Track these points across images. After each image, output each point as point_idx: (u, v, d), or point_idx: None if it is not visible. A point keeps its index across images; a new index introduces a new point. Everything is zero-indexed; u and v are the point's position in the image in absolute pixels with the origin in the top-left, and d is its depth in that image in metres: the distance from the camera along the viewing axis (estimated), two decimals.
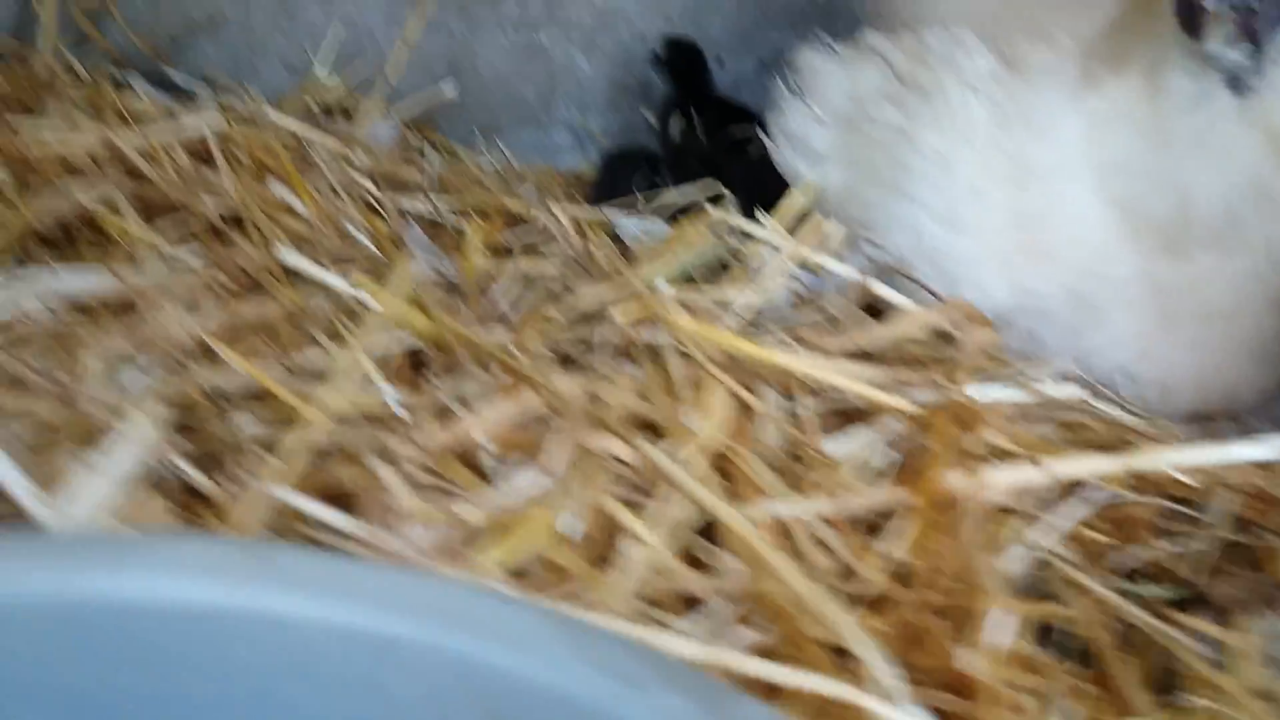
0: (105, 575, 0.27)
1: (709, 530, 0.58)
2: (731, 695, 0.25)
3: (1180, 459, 0.56)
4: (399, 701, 0.27)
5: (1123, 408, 0.69)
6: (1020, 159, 0.74)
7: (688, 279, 0.73)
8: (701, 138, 1.20)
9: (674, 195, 0.81)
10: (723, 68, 1.32)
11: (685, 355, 0.64)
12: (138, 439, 0.51)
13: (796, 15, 1.35)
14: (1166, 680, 0.54)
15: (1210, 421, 0.79)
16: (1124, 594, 0.55)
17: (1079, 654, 0.55)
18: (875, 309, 0.76)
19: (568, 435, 0.55)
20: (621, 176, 1.16)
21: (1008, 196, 0.74)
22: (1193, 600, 0.56)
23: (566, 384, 0.60)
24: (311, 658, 0.27)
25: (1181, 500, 0.60)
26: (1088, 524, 0.59)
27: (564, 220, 0.81)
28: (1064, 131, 0.74)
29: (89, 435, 0.54)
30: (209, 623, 0.27)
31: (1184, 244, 0.70)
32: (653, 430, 0.61)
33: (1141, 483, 0.60)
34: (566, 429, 0.56)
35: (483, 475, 0.57)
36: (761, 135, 0.89)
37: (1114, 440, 0.63)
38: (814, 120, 0.84)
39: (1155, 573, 0.58)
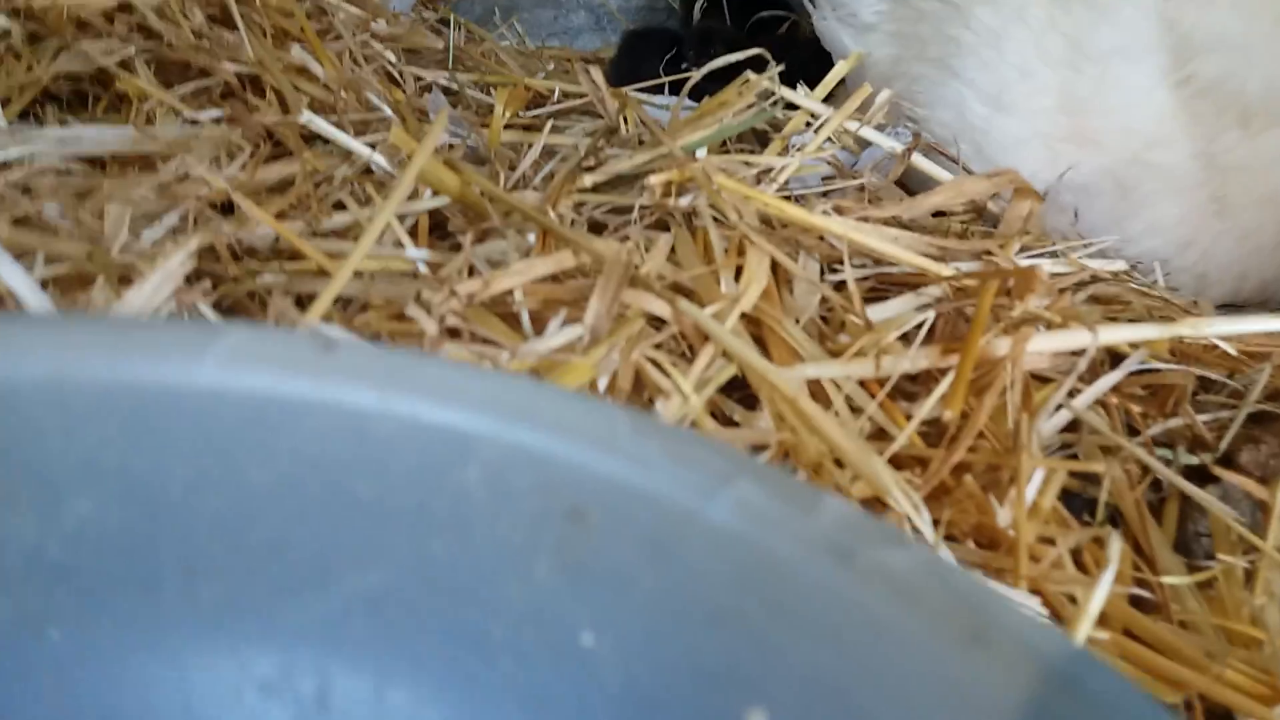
0: (174, 361, 0.26)
1: (740, 393, 0.58)
2: (813, 490, 0.25)
3: (1225, 329, 0.55)
4: (474, 500, 0.27)
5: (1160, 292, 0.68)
6: (1077, 40, 0.71)
7: (724, 149, 0.71)
8: (727, 18, 1.17)
9: (710, 64, 0.78)
10: None
11: (721, 223, 0.63)
12: (170, 282, 0.50)
13: None
14: (1194, 546, 0.55)
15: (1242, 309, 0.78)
16: (1158, 458, 0.55)
17: (1109, 520, 0.55)
18: (908, 187, 0.74)
19: (605, 292, 0.54)
20: (643, 58, 1.13)
21: (1060, 79, 0.72)
22: (1225, 467, 0.56)
23: (601, 244, 0.58)
24: (383, 453, 0.27)
25: (1219, 372, 0.59)
26: (1124, 392, 0.59)
27: (600, 82, 0.78)
28: (1131, 11, 0.71)
29: (120, 278, 0.53)
30: (277, 413, 0.27)
31: (1260, 123, 0.68)
32: (687, 295, 0.60)
33: (1181, 355, 0.59)
34: (603, 286, 0.55)
35: (518, 329, 0.56)
36: (807, 3, 0.86)
37: (1153, 314, 0.62)
38: None
39: (1190, 441, 0.58)
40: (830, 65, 0.84)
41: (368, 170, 0.78)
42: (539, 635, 0.27)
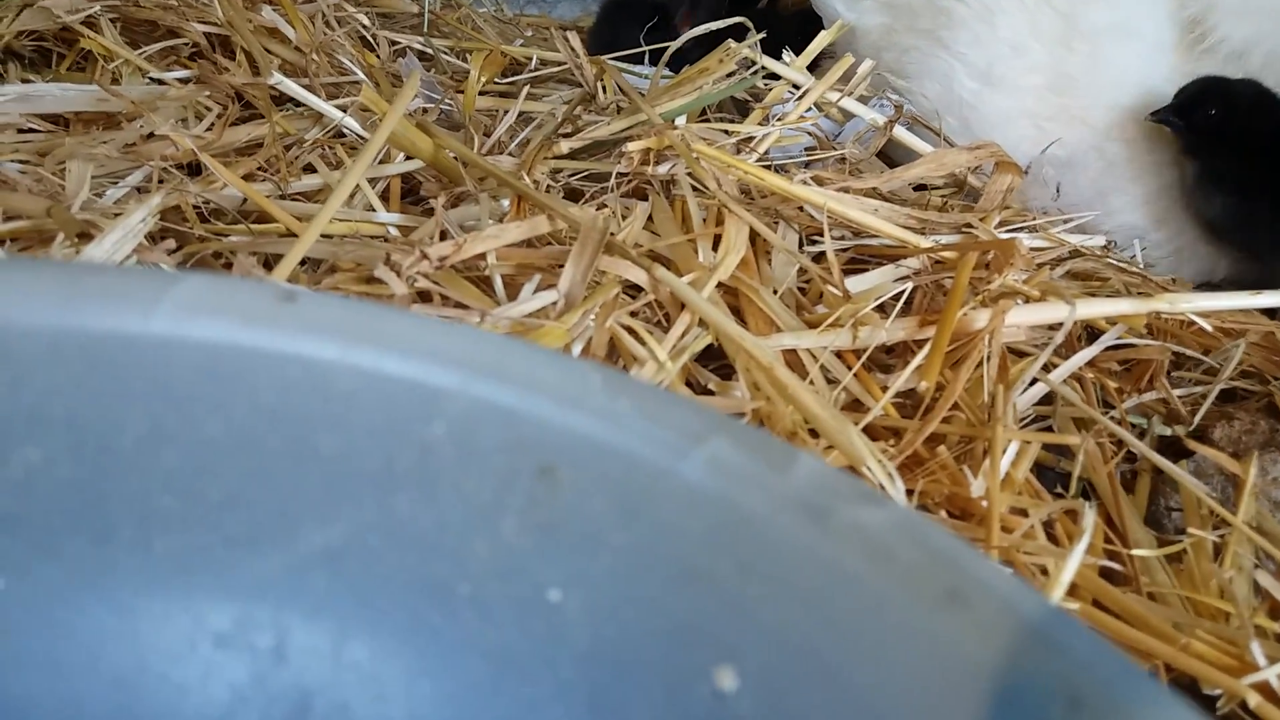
0: (128, 308, 0.25)
1: (715, 363, 0.57)
2: (787, 448, 0.24)
3: (1202, 305, 0.55)
4: (441, 455, 0.26)
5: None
6: (1071, 17, 0.71)
7: (704, 118, 0.70)
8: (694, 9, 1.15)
9: (691, 32, 0.76)
10: None
11: (700, 192, 0.62)
12: (130, 239, 0.48)
13: None
14: (1165, 520, 0.55)
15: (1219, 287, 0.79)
16: (1131, 432, 0.55)
17: (1082, 494, 0.55)
18: (892, 160, 0.74)
19: (580, 258, 0.53)
20: (622, 26, 1.11)
21: (1052, 56, 0.72)
22: (1198, 442, 0.56)
23: (577, 210, 0.57)
24: (346, 407, 0.26)
25: (1193, 348, 0.59)
26: (1099, 367, 0.59)
27: (578, 47, 0.77)
28: None
29: (80, 235, 0.52)
30: (236, 363, 0.26)
31: None
32: (664, 263, 0.59)
33: (1157, 331, 0.59)
34: (579, 252, 0.54)
35: (491, 294, 0.55)
36: None
37: (1130, 289, 0.62)
38: None
39: (1164, 416, 0.58)
40: (811, 40, 0.83)
41: (340, 135, 0.77)
42: (505, 591, 0.26)
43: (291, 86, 0.73)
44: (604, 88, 0.76)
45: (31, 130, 0.71)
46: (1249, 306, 0.55)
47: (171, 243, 0.54)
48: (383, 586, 0.27)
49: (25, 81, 0.77)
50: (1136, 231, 0.72)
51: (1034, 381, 0.56)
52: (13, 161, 0.61)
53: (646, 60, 0.99)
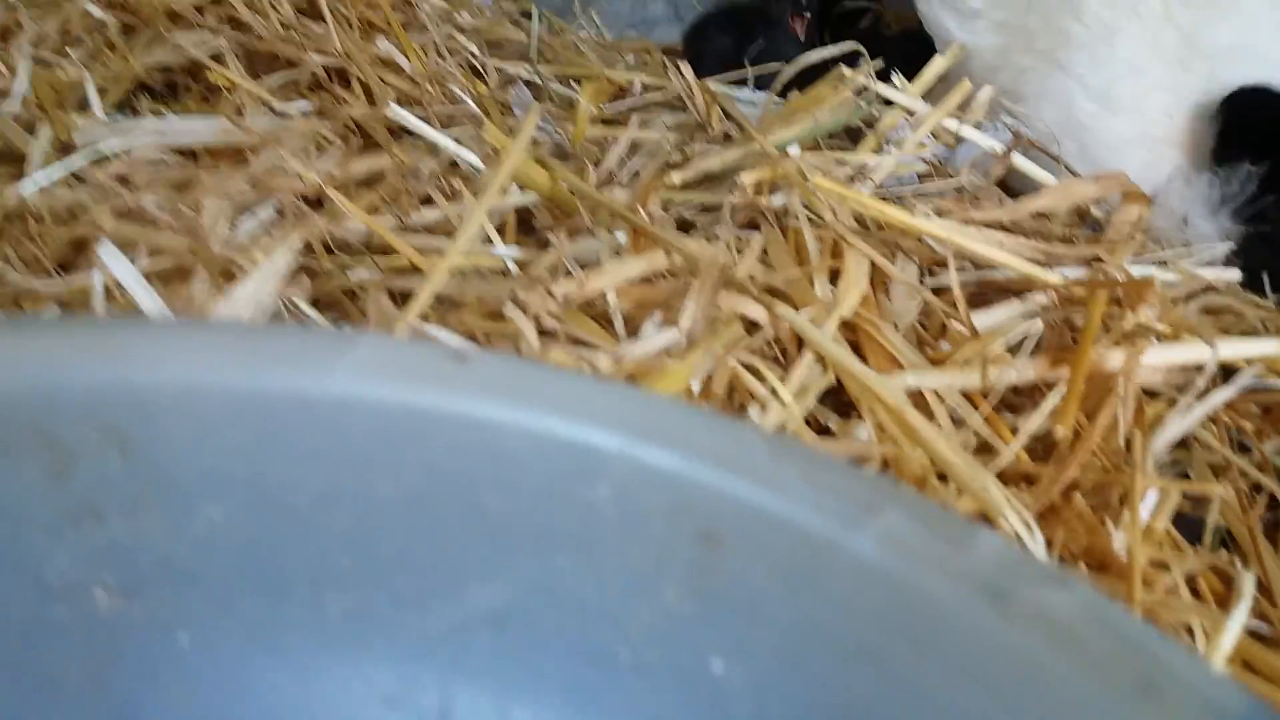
0: (308, 370, 0.26)
1: (833, 400, 0.57)
2: (965, 524, 0.24)
3: None
4: (604, 518, 0.26)
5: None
6: (1193, 36, 0.69)
7: (815, 146, 0.70)
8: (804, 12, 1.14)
9: (805, 57, 0.76)
10: None
11: (816, 223, 0.62)
12: (273, 279, 0.50)
13: None
14: None
15: None
16: (1273, 478, 0.53)
17: (1216, 539, 0.53)
18: (1008, 186, 0.72)
19: (701, 296, 0.53)
20: (708, 38, 1.11)
21: (1172, 77, 0.69)
22: None
23: (695, 245, 0.57)
24: (513, 467, 0.26)
25: None
26: (1236, 409, 0.57)
27: (690, 80, 0.77)
28: (1254, 10, 0.69)
29: (221, 271, 0.53)
30: (409, 424, 0.26)
31: None
32: (779, 298, 0.59)
33: None
34: (699, 290, 0.54)
35: (611, 331, 0.55)
36: (896, 4, 0.84)
37: (1267, 326, 0.60)
38: None
39: None
40: (916, 63, 0.82)
41: (453, 164, 0.78)
42: (666, 658, 0.26)
43: (409, 118, 0.75)
44: (713, 116, 0.76)
45: (163, 164, 0.74)
46: None
47: (305, 279, 0.56)
48: (544, 650, 0.27)
49: (156, 114, 0.81)
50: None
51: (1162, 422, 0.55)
52: (151, 196, 0.63)
53: (750, 83, 0.98)
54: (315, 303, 0.62)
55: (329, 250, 0.65)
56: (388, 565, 0.27)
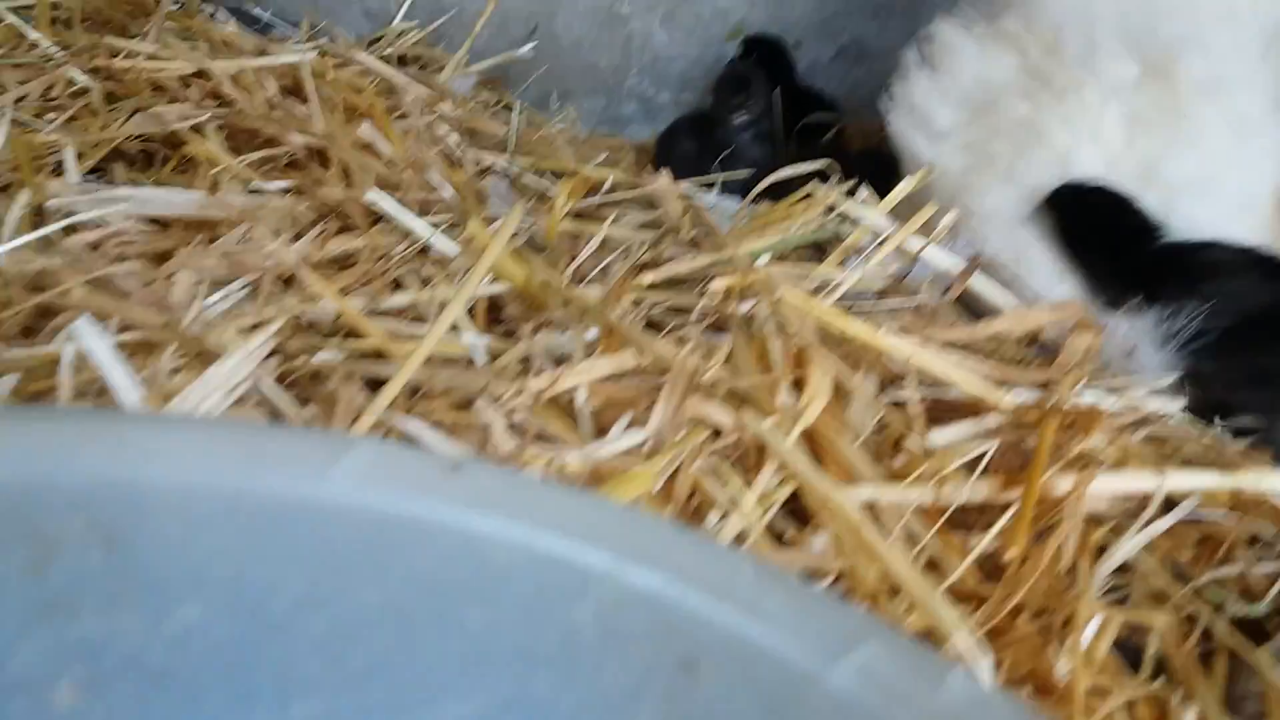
0: (304, 474, 0.26)
1: (789, 504, 0.57)
2: (941, 662, 0.25)
3: None
4: (585, 637, 0.26)
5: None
6: (1154, 163, 0.73)
7: (783, 257, 0.72)
8: (758, 117, 1.18)
9: (778, 172, 0.79)
10: (799, 50, 1.31)
11: (782, 331, 0.64)
12: (249, 362, 0.50)
13: (879, 6, 1.34)
14: (1244, 705, 0.54)
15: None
16: (1209, 609, 0.55)
17: (1154, 666, 0.55)
18: (964, 302, 0.75)
19: (670, 399, 0.55)
20: (677, 139, 1.15)
21: None
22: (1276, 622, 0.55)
23: (666, 347, 0.59)
24: (498, 581, 0.27)
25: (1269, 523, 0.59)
26: (1174, 537, 0.58)
27: (667, 187, 0.79)
28: (1217, 145, 0.73)
29: (192, 349, 0.53)
30: (399, 532, 0.26)
31: None
32: (744, 403, 0.60)
33: (1236, 502, 0.59)
34: (669, 393, 0.55)
35: (579, 429, 0.56)
36: (860, 119, 0.88)
37: (1209, 457, 0.62)
38: (942, 97, 0.83)
39: (1240, 594, 0.57)
40: (876, 181, 0.86)
41: (424, 249, 0.79)
42: None
43: (389, 204, 0.76)
44: (685, 220, 0.78)
45: (137, 234, 0.74)
46: None
47: (275, 363, 0.56)
48: None
49: (133, 183, 0.81)
50: None
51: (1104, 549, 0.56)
52: (124, 266, 0.63)
53: (718, 187, 1.01)
54: (282, 380, 0.62)
55: (298, 330, 0.65)
56: (360, 674, 0.27)
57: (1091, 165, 0.74)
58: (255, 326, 0.55)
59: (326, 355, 0.63)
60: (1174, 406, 0.62)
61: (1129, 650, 0.55)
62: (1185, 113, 0.74)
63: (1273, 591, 0.56)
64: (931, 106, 0.84)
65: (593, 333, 0.64)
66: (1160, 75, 0.75)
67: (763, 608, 0.25)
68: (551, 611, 0.27)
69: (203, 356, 0.52)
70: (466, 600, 0.27)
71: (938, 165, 0.79)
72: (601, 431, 0.55)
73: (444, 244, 0.77)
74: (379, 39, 1.23)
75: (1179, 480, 0.54)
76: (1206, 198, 0.73)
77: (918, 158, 0.84)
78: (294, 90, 0.91)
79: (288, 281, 0.72)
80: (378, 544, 0.26)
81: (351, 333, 0.66)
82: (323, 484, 0.26)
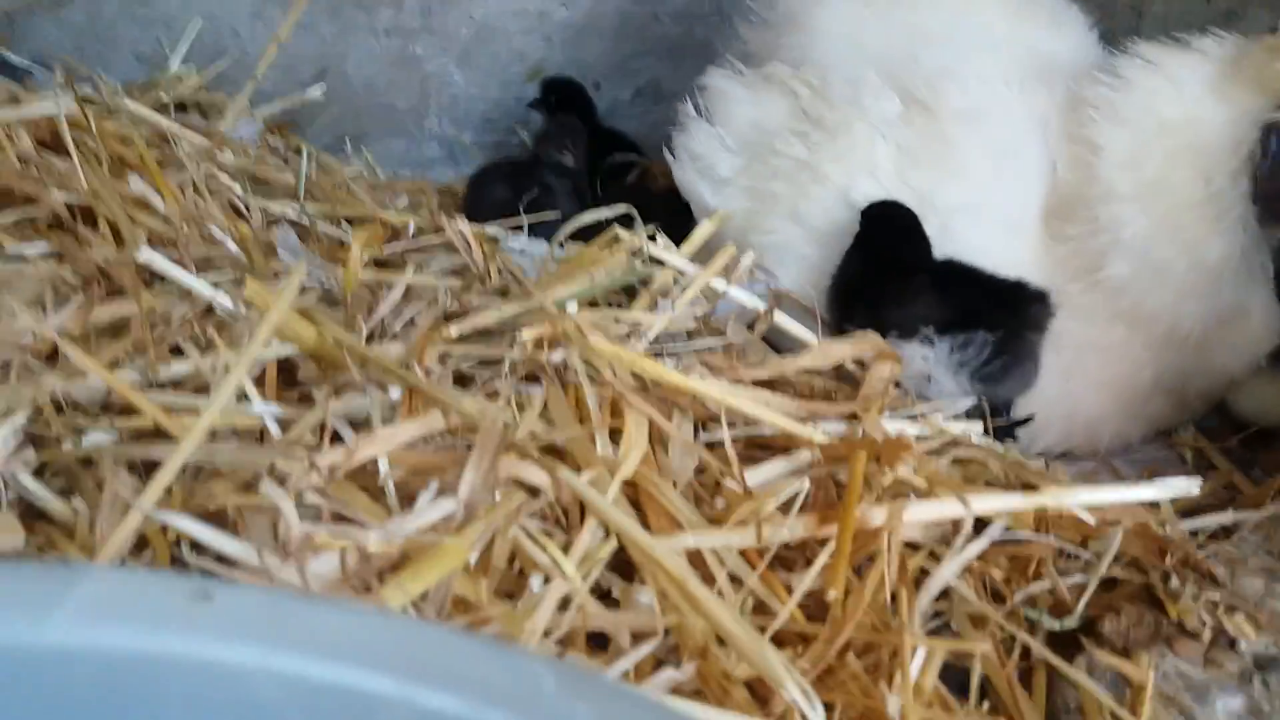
0: (16, 616, 0.22)
1: (618, 562, 0.56)
2: None
3: (1087, 499, 0.57)
4: None
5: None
6: (927, 195, 0.75)
7: (592, 303, 0.71)
8: (574, 164, 1.18)
9: (580, 218, 0.78)
10: (599, 91, 1.31)
11: (594, 380, 0.62)
12: None
13: (674, 46, 1.35)
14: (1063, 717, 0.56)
15: (1076, 460, 0.83)
16: (1024, 627, 0.56)
17: (978, 690, 0.56)
18: (768, 338, 0.75)
19: (480, 462, 0.52)
20: (488, 185, 1.13)
21: None
22: (1088, 636, 0.57)
23: (473, 405, 0.56)
24: (265, 716, 0.23)
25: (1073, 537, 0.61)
26: (987, 559, 0.60)
27: (468, 233, 0.77)
28: (980, 170, 0.76)
29: None
30: (141, 672, 0.23)
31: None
32: (560, 457, 0.58)
33: (1040, 520, 0.61)
34: (478, 456, 0.52)
35: (383, 501, 0.52)
36: (661, 158, 0.88)
37: (1010, 477, 0.64)
38: (720, 145, 0.84)
39: (1052, 608, 0.59)
40: (682, 218, 0.86)
41: (209, 309, 0.73)
42: None
43: (163, 263, 0.70)
44: (491, 267, 0.76)
45: None
46: (1131, 500, 0.58)
47: (31, 453, 0.49)
48: None
49: None
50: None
51: (926, 574, 0.57)
52: None
53: (526, 229, 0.99)
54: (41, 473, 0.56)
55: (60, 411, 0.59)
56: None
57: (870, 196, 0.77)
58: (2, 415, 0.49)
59: (96, 437, 0.57)
60: (974, 429, 0.64)
61: (955, 675, 0.56)
62: (950, 142, 0.77)
63: (1081, 603, 0.58)
64: (712, 155, 0.85)
65: (396, 393, 0.60)
66: (922, 108, 0.78)
67: (571, 718, 0.23)
68: None
69: None
70: None
71: (724, 210, 0.80)
72: (409, 502, 0.52)
73: (227, 303, 0.72)
74: (153, 85, 1.15)
75: (987, 503, 0.55)
76: (977, 222, 0.76)
77: (705, 205, 0.85)
78: (52, 144, 0.83)
79: (51, 357, 0.65)
80: (117, 688, 0.23)
81: (126, 410, 0.60)
82: (43, 627, 0.22)
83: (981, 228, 0.78)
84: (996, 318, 0.71)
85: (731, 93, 0.86)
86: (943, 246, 0.77)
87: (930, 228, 0.77)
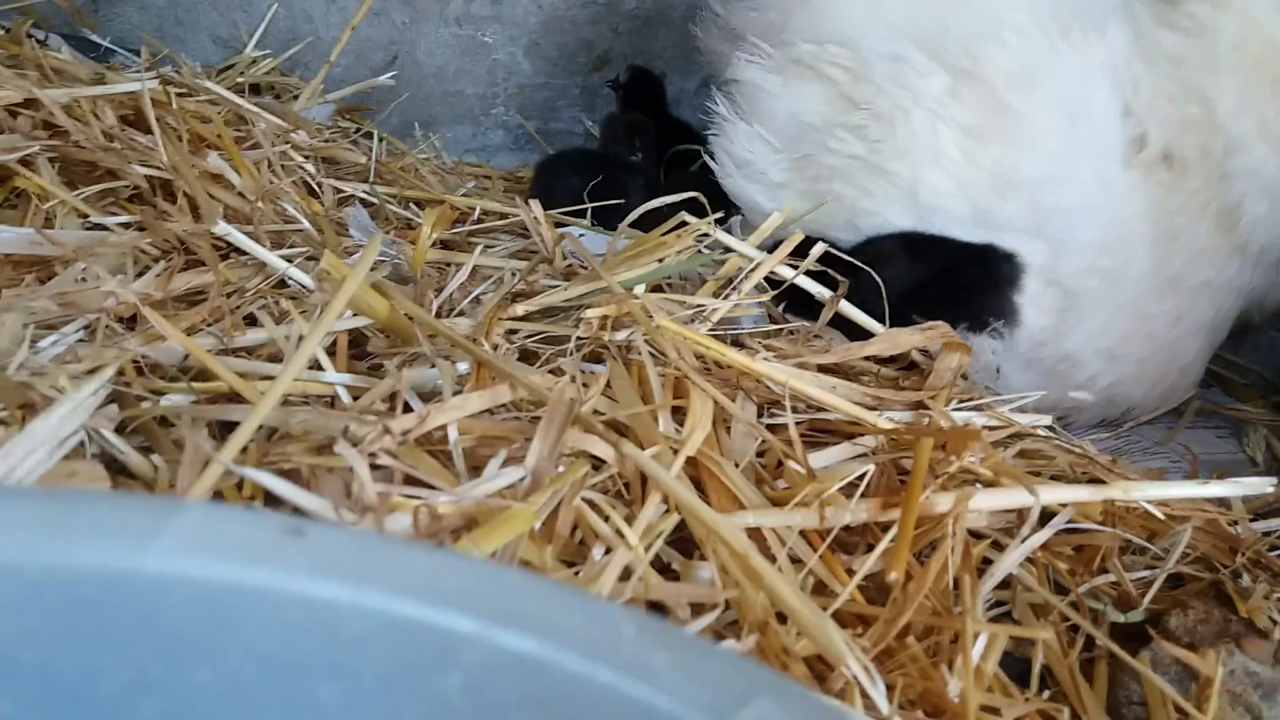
0: (121, 544, 0.23)
1: (678, 540, 0.56)
2: (834, 709, 0.23)
3: (1154, 493, 0.56)
4: (455, 710, 0.24)
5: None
6: (1002, 175, 0.72)
7: (656, 288, 0.71)
8: (644, 162, 1.18)
9: (649, 204, 0.78)
10: (665, 80, 1.32)
11: (659, 361, 0.62)
12: (79, 413, 0.46)
13: None
14: (1126, 712, 0.55)
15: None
16: (1088, 618, 0.56)
17: (1039, 680, 0.55)
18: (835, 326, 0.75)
19: (548, 434, 0.52)
20: (557, 175, 1.13)
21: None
22: (1153, 628, 0.56)
23: (542, 379, 0.57)
24: (353, 653, 0.24)
25: (1139, 531, 0.60)
26: (1051, 549, 0.59)
27: (540, 216, 0.77)
28: (1056, 139, 0.72)
29: (18, 400, 0.48)
30: (235, 605, 0.24)
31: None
32: (623, 434, 0.59)
33: (1107, 515, 0.60)
34: (546, 427, 0.53)
35: (452, 468, 0.53)
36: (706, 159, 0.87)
37: (1075, 469, 0.63)
38: (765, 145, 0.80)
39: (1116, 602, 0.58)
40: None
41: (282, 283, 0.75)
42: None
43: (238, 237, 0.71)
44: (558, 250, 0.77)
45: None
46: (1199, 495, 0.57)
47: (114, 409, 0.51)
48: None
49: None
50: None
51: (988, 563, 0.57)
52: None
53: (589, 215, 1.00)
54: (123, 430, 0.57)
55: (140, 373, 0.61)
56: None
57: (942, 188, 0.73)
58: (90, 372, 0.50)
59: (173, 399, 0.59)
60: (1042, 421, 0.64)
61: (1016, 664, 0.56)
62: (1012, 110, 0.72)
63: (1147, 597, 0.57)
64: (757, 158, 0.81)
65: (463, 366, 0.61)
66: (970, 78, 0.73)
67: (647, 666, 0.23)
68: (415, 683, 0.24)
69: (30, 406, 0.47)
70: (318, 675, 0.24)
71: (783, 210, 0.77)
72: (475, 471, 0.53)
73: (300, 277, 0.74)
74: (229, 67, 1.18)
75: (1054, 494, 0.55)
76: (1067, 188, 0.72)
77: (760, 208, 0.81)
78: (135, 121, 0.86)
79: (130, 323, 0.67)
80: (212, 619, 0.23)
81: (202, 375, 0.62)
82: (143, 556, 0.23)
83: (1071, 192, 0.72)
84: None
85: (765, 85, 0.81)
86: (1038, 223, 0.72)
87: (1017, 206, 0.72)
